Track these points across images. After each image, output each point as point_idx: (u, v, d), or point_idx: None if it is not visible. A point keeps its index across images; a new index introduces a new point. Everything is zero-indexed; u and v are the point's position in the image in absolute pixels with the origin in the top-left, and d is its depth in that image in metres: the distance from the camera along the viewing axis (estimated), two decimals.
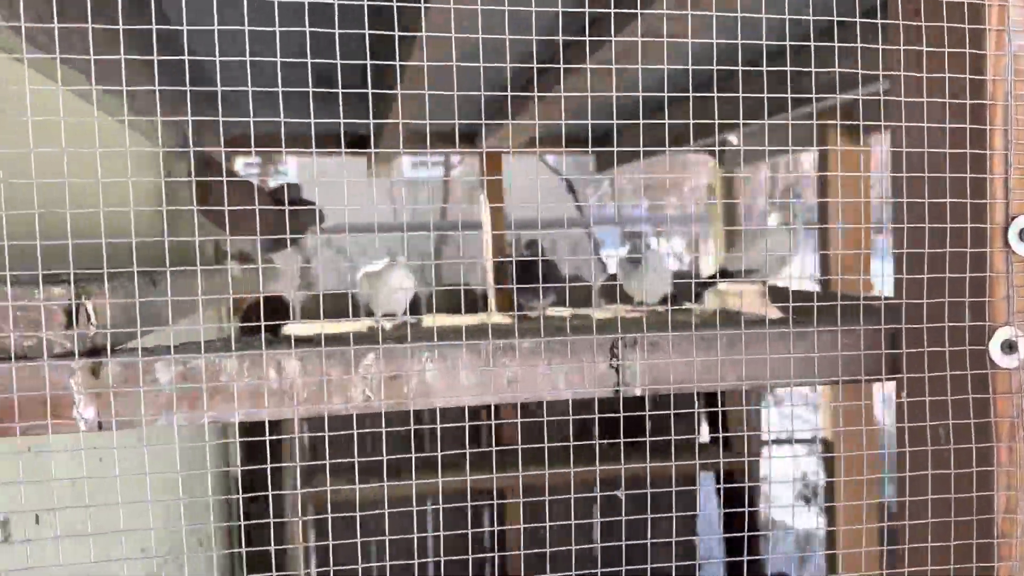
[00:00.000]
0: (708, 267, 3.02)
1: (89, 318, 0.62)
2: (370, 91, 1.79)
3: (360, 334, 2.52)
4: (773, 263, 2.47)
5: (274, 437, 0.67)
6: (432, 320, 2.70)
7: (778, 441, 3.56)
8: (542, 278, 2.64)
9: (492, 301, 2.93)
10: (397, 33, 0.62)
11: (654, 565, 0.77)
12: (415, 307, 2.81)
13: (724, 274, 2.54)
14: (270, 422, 0.67)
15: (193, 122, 1.83)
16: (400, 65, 1.43)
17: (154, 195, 1.71)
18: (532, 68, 1.81)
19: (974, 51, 0.66)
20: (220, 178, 1.64)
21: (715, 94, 0.73)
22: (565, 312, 2.85)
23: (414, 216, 4.52)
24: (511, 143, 2.55)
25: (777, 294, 2.50)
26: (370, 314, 2.77)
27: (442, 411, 0.73)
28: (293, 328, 2.54)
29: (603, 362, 0.71)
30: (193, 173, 1.64)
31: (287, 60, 0.59)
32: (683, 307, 2.77)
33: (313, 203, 2.05)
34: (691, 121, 2.25)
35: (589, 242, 2.63)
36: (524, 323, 2.58)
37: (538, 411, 3.12)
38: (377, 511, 0.76)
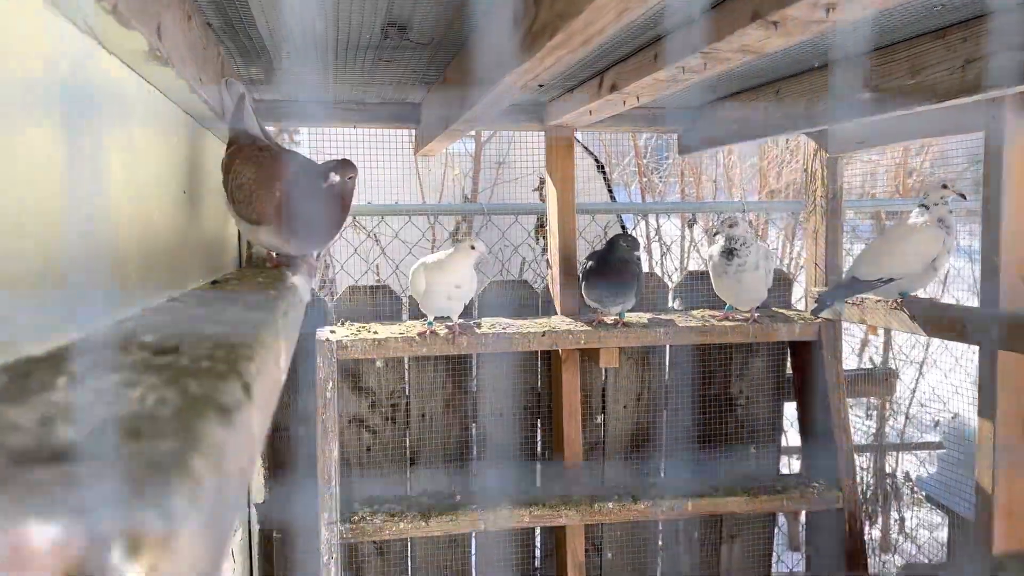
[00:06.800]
0: (811, 270, 2.69)
1: None
2: None
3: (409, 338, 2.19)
4: (920, 271, 2.12)
5: None
6: (490, 325, 2.44)
7: None
8: (621, 279, 2.35)
9: (557, 302, 2.66)
10: None
11: None
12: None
13: (855, 281, 2.20)
14: None
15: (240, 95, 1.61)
16: None
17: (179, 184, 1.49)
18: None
19: None
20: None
21: None
22: (644, 317, 2.57)
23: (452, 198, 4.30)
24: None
25: (917, 308, 2.16)
26: (418, 314, 2.53)
27: None
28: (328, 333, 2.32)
29: None
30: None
31: None
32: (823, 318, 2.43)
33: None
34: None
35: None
36: (602, 329, 2.30)
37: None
38: None
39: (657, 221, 4.37)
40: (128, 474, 0.29)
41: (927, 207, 2.15)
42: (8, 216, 0.68)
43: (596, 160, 4.45)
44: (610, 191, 4.48)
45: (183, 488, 0.28)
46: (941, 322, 2.06)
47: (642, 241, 4.20)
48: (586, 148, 4.44)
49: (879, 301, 2.29)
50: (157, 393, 0.41)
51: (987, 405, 2.05)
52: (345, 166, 1.41)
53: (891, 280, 2.15)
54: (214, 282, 1.27)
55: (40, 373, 0.46)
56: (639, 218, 4.45)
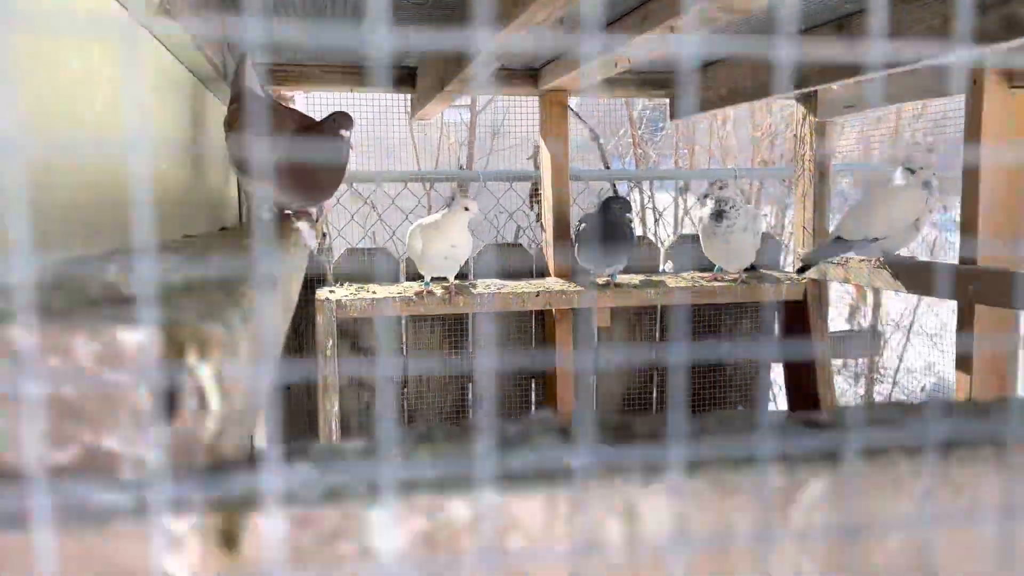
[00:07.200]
0: (800, 232, 2.76)
1: (205, 401, 0.34)
2: None
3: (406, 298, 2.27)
4: (903, 231, 2.18)
5: None
6: (485, 285, 2.51)
7: None
8: (613, 240, 2.42)
9: (550, 264, 2.73)
10: None
11: None
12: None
13: (840, 241, 2.27)
14: None
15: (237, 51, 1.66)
16: None
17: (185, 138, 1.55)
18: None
19: None
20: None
21: None
22: (635, 279, 2.64)
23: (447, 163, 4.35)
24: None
25: (899, 266, 2.24)
26: (414, 276, 2.60)
27: None
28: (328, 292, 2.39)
29: None
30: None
31: None
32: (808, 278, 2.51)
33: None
34: None
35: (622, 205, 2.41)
36: (595, 290, 2.37)
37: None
38: None
39: (651, 189, 4.43)
40: (190, 306, 0.36)
41: (912, 171, 2.21)
42: (44, 161, 0.75)
43: (591, 130, 4.49)
44: (604, 161, 4.53)
45: (238, 312, 0.35)
46: (921, 279, 2.13)
47: (636, 208, 4.27)
48: (579, 116, 4.48)
49: (862, 260, 2.36)
50: (200, 274, 0.48)
51: (964, 358, 2.13)
52: (347, 120, 1.47)
53: (875, 240, 2.22)
54: (222, 228, 1.34)
55: (92, 262, 0.53)
56: (632, 185, 4.50)
